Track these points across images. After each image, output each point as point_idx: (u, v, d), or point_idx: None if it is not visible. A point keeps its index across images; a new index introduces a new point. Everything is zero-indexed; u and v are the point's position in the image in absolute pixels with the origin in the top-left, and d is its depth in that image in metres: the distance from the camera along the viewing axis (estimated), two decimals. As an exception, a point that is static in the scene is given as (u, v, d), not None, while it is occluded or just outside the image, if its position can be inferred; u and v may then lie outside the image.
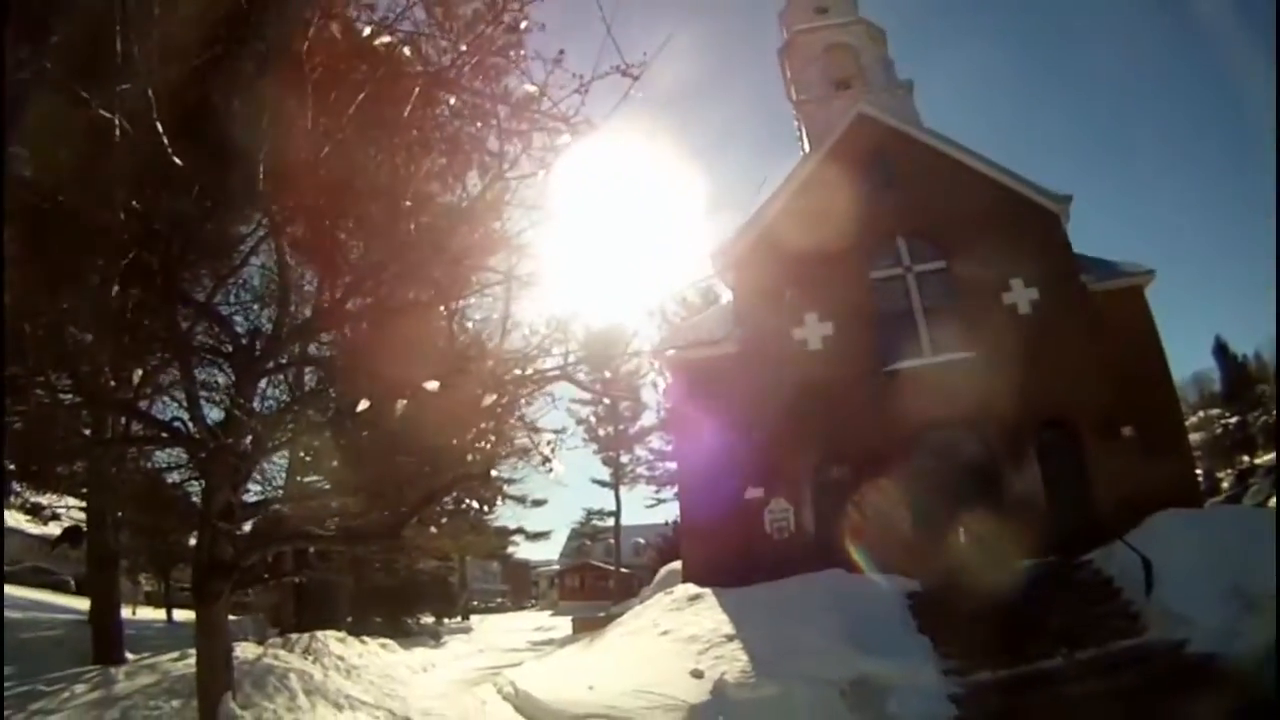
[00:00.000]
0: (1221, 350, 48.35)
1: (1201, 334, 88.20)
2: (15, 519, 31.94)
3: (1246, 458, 40.74)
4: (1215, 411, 46.60)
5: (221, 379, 7.71)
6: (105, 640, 11.56)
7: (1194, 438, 29.71)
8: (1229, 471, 38.98)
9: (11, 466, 16.93)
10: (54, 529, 29.08)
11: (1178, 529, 12.26)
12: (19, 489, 22.69)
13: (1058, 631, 11.00)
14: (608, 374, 26.28)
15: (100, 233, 6.45)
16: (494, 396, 5.81)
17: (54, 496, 20.01)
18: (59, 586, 30.95)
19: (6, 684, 9.35)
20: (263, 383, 7.29)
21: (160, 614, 23.17)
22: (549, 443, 5.82)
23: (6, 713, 8.32)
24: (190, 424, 6.37)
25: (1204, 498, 20.22)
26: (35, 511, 22.74)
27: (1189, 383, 45.59)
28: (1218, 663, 8.86)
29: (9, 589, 26.23)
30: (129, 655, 11.37)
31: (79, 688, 9.26)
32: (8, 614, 15.84)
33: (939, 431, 15.39)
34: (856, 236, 16.49)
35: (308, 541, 7.18)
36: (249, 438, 5.96)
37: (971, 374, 15.19)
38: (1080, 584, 12.53)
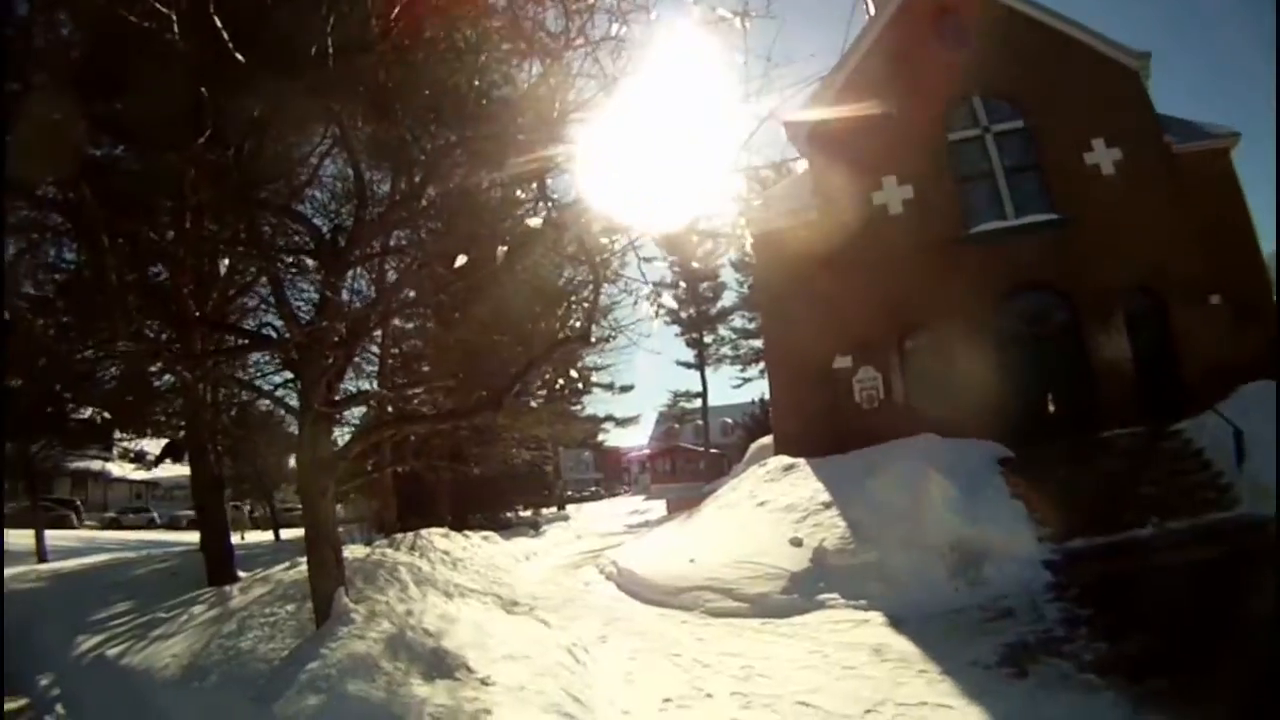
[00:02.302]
0: (1305, 225, 45.31)
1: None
2: (122, 468, 34.10)
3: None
4: (1296, 292, 43.96)
5: (307, 282, 7.82)
6: (218, 562, 11.98)
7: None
8: (1309, 357, 36.96)
9: (108, 415, 17.90)
10: (158, 473, 31.07)
11: (1269, 400, 11.74)
12: (119, 437, 24.14)
13: (1149, 501, 10.84)
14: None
15: (170, 143, 6.51)
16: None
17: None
18: (150, 524, 33.29)
19: (126, 617, 9.86)
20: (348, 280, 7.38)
21: (268, 535, 24.31)
22: (653, 289, 5.76)
23: (130, 643, 8.73)
24: (280, 325, 6.49)
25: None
26: (139, 458, 24.02)
27: (1269, 260, 42.94)
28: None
29: (118, 534, 28.15)
30: (241, 574, 11.79)
31: (196, 609, 9.49)
32: (122, 554, 16.89)
33: (1024, 295, 15.04)
34: (931, 97, 15.94)
35: (409, 425, 7.32)
36: (342, 324, 6.06)
37: (1056, 236, 14.85)
38: (1170, 454, 12.19)
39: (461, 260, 5.07)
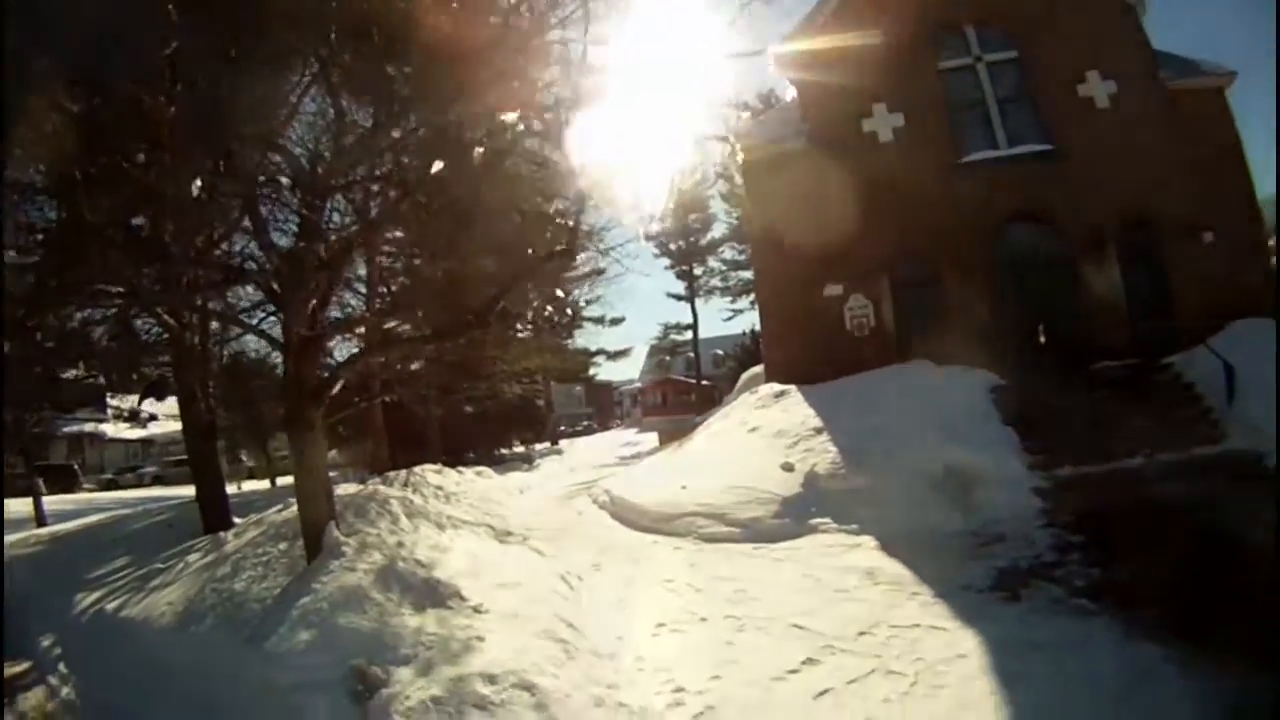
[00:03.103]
0: (1300, 171, 44.77)
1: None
2: (116, 429, 34.11)
3: (1320, 290, 38.34)
4: (1289, 239, 43.65)
5: (287, 215, 7.64)
6: (213, 511, 12.03)
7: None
8: (1301, 302, 36.99)
9: (100, 377, 17.75)
10: (153, 430, 31.04)
11: (1259, 338, 11.71)
12: (111, 400, 24.04)
13: (1140, 433, 10.87)
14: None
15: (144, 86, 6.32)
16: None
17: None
18: (141, 481, 33.53)
19: (124, 571, 9.78)
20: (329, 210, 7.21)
21: (264, 484, 24.44)
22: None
23: (128, 596, 8.74)
24: (261, 256, 6.37)
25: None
26: (133, 416, 23.85)
27: (1264, 205, 42.53)
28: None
29: (117, 494, 28.23)
30: (236, 520, 11.80)
31: (191, 557, 9.59)
32: (119, 511, 16.94)
33: (1017, 226, 14.95)
34: (922, 25, 15.65)
35: (395, 348, 7.23)
36: (322, 246, 5.95)
37: (1048, 167, 14.73)
38: (1162, 387, 12.25)
39: (438, 166, 4.94)
